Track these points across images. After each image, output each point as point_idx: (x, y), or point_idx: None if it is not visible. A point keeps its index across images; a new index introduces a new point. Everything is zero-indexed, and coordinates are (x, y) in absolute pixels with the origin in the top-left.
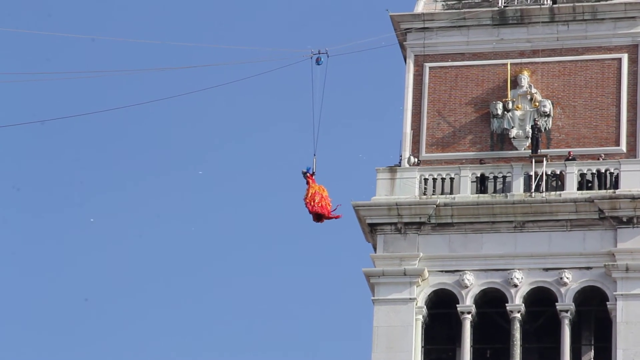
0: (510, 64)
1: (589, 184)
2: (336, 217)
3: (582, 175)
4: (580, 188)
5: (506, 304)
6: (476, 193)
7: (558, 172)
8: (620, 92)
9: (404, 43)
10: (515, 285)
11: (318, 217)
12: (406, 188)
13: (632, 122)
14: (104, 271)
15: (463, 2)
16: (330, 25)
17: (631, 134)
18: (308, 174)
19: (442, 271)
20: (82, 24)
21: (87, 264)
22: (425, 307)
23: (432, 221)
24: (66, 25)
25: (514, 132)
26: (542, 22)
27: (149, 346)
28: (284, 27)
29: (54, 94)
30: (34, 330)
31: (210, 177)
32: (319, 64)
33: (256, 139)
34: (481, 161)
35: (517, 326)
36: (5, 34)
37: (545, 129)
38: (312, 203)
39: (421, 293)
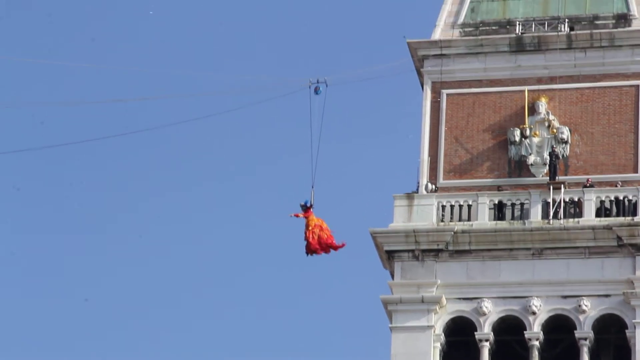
0: (528, 90)
1: (607, 211)
2: (341, 246)
3: (601, 202)
4: (598, 215)
5: (524, 332)
6: (494, 220)
7: (576, 199)
8: (638, 119)
9: (421, 70)
10: (534, 313)
11: (312, 250)
12: (424, 215)
13: None
14: (104, 271)
15: (480, 29)
16: (334, 55)
17: None
18: (307, 207)
19: (460, 298)
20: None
21: (87, 263)
22: (443, 334)
23: (450, 248)
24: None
25: (531, 159)
26: (560, 48)
27: (149, 346)
28: (288, 57)
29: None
30: (33, 330)
31: (214, 199)
32: (317, 94)
33: (260, 170)
34: (499, 188)
35: (535, 354)
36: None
37: (563, 155)
38: (313, 236)
39: (439, 320)
